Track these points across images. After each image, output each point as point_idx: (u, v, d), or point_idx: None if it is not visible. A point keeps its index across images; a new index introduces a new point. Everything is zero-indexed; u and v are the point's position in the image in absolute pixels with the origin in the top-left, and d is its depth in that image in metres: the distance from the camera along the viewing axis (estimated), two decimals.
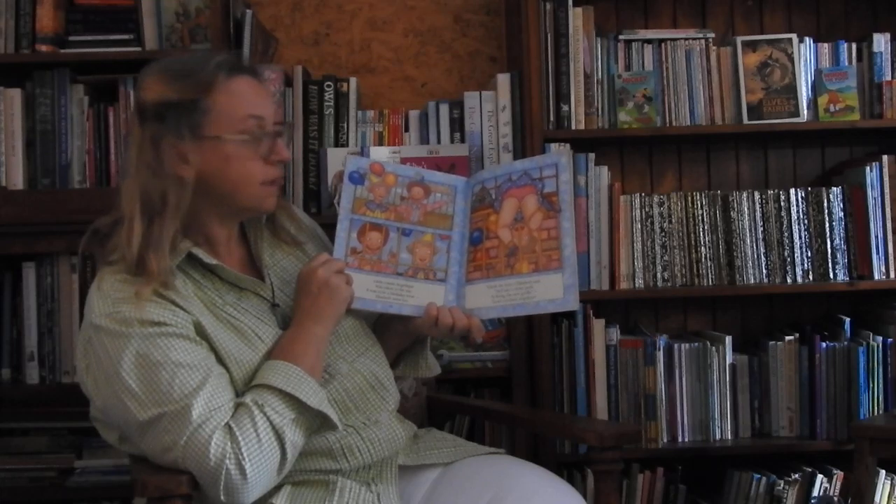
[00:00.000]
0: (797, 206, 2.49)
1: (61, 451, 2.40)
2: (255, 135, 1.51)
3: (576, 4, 2.46)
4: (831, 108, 2.52)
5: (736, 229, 2.49)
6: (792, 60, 2.52)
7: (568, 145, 2.42)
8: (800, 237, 2.49)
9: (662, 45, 2.54)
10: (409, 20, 2.77)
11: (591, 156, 2.46)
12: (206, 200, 1.51)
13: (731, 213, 2.49)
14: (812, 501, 2.43)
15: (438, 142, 2.45)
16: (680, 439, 2.48)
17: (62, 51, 2.38)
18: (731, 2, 2.71)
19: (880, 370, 2.45)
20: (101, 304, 1.43)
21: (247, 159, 1.51)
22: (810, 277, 2.49)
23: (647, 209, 2.48)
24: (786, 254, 2.49)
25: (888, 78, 2.53)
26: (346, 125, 2.46)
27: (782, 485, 2.42)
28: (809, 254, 2.49)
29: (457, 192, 1.71)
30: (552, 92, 2.45)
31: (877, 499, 2.38)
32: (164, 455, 1.39)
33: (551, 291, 1.59)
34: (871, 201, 2.47)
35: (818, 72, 2.53)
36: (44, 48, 2.37)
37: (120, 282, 1.44)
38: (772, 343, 2.50)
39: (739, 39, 2.54)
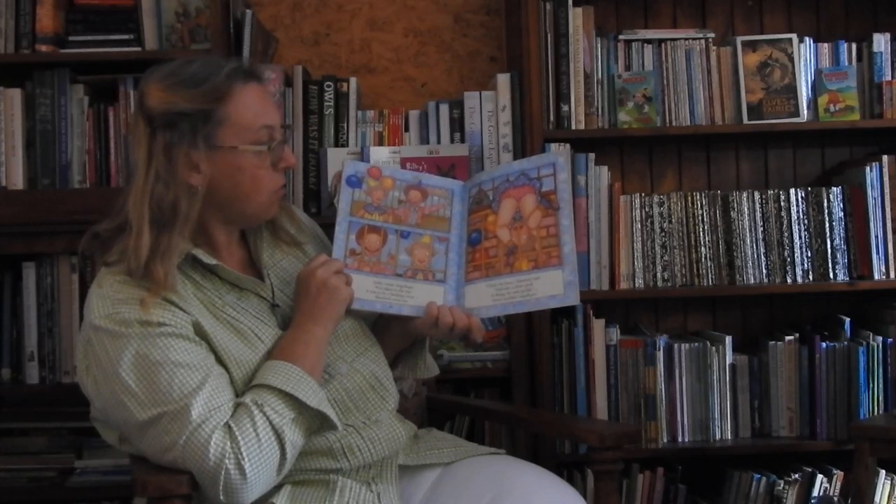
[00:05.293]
0: (797, 206, 2.49)
1: (61, 451, 2.40)
2: (267, 144, 1.52)
3: (576, 4, 2.46)
4: (831, 108, 2.52)
5: (736, 229, 2.49)
6: (792, 60, 2.52)
7: (568, 145, 2.42)
8: (800, 237, 2.49)
9: (662, 45, 2.55)
10: (409, 20, 2.77)
11: (591, 156, 2.46)
12: (211, 207, 1.51)
13: (731, 213, 2.49)
14: (812, 501, 2.43)
15: (438, 142, 2.45)
16: (680, 439, 2.48)
17: (62, 51, 2.38)
18: (731, 2, 2.71)
19: (880, 370, 2.45)
20: (100, 305, 1.43)
21: (257, 168, 1.51)
22: (810, 277, 2.49)
23: (647, 209, 2.48)
24: (786, 254, 2.49)
25: (888, 78, 2.53)
26: (346, 125, 2.46)
27: (782, 485, 2.42)
28: (809, 254, 2.49)
29: (454, 196, 1.71)
30: (552, 92, 2.45)
31: (877, 499, 2.38)
32: (163, 455, 1.39)
33: (552, 287, 1.59)
34: (871, 201, 2.47)
35: (818, 72, 2.53)
36: (44, 48, 2.37)
37: (119, 283, 1.44)
38: (772, 343, 2.50)
39: (739, 39, 2.54)
